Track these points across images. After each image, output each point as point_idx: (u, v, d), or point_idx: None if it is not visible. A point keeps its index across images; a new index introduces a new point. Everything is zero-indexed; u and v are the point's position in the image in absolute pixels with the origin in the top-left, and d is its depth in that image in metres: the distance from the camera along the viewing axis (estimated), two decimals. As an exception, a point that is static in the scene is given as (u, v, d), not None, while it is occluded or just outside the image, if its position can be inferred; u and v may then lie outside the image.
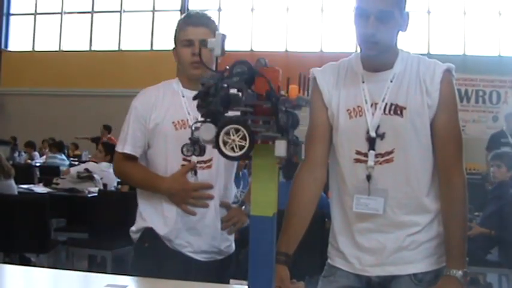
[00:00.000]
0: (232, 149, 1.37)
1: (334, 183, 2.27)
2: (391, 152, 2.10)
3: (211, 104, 1.40)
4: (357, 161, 2.14)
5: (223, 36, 1.46)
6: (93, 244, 5.68)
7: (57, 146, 11.45)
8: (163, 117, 2.51)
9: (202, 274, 2.38)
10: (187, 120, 2.48)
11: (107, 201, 5.95)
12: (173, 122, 2.49)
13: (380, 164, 2.11)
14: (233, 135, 1.36)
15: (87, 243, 5.84)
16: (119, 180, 6.31)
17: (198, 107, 1.42)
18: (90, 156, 12.29)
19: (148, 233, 2.52)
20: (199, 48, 2.44)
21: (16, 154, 13.69)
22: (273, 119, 1.36)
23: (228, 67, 1.43)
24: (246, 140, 1.35)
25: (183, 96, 2.54)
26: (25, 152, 14.01)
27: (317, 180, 2.24)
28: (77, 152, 15.68)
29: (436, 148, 2.14)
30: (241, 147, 1.36)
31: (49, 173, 8.97)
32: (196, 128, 1.43)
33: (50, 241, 5.62)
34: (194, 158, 2.44)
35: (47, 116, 16.88)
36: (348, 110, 2.17)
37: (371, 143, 2.11)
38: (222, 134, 1.37)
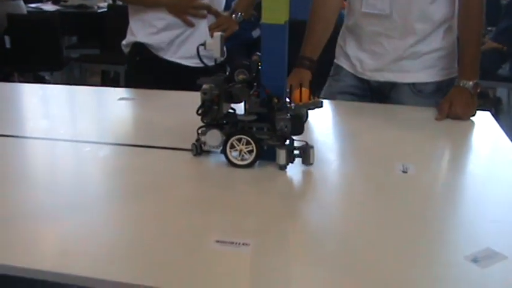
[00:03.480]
0: (243, 156, 1.45)
1: None
2: None
3: (216, 112, 1.47)
4: None
5: (222, 37, 1.50)
6: (105, 59, 5.72)
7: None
8: None
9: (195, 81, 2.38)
10: None
11: (117, 15, 5.81)
12: None
13: None
14: (237, 146, 1.45)
15: (99, 59, 5.89)
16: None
17: (203, 116, 1.49)
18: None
19: (138, 46, 2.53)
20: None
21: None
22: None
23: (228, 72, 1.51)
24: (251, 144, 1.44)
25: None
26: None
27: None
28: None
29: None
30: (250, 152, 1.44)
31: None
32: (203, 132, 1.50)
33: (62, 58, 5.69)
34: None
35: None
36: None
37: None
38: (228, 147, 1.45)
